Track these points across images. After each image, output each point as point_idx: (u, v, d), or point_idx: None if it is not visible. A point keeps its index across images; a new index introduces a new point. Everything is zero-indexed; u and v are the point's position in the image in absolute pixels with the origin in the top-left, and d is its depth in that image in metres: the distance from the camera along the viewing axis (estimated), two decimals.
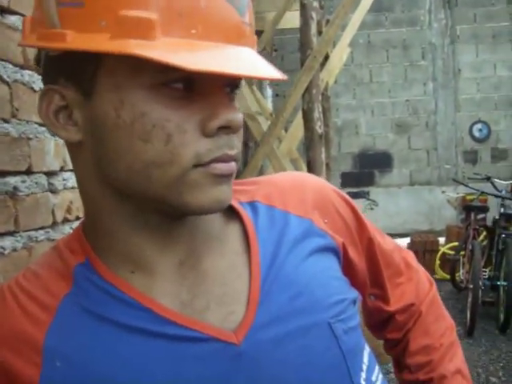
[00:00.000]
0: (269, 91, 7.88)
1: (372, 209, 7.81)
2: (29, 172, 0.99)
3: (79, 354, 0.65)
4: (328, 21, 4.21)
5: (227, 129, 0.63)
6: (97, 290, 0.67)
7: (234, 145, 0.65)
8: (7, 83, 0.94)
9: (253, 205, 0.78)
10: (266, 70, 0.63)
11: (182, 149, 0.62)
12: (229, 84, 0.65)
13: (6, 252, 0.91)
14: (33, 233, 0.99)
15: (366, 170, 8.24)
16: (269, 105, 6.84)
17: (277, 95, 7.88)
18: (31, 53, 0.98)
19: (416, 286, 0.93)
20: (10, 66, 0.95)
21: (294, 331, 0.69)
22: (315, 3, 3.82)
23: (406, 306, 0.92)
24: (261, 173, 4.83)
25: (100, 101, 0.62)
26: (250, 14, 0.65)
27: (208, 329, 0.66)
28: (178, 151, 0.61)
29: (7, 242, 0.91)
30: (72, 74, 0.64)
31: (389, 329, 0.94)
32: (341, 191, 0.86)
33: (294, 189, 0.81)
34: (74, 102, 0.64)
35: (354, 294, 0.79)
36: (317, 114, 3.85)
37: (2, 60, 0.93)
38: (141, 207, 0.67)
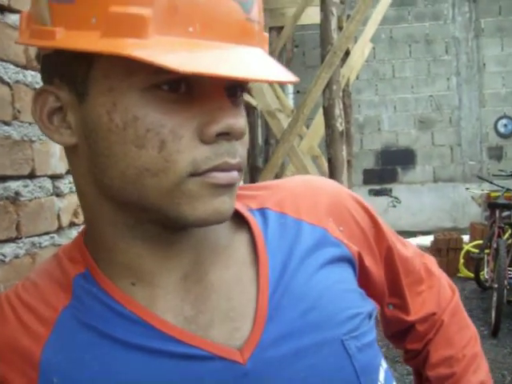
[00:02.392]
0: (290, 88, 7.82)
1: (395, 206, 7.72)
2: (32, 176, 0.95)
3: (77, 371, 0.61)
4: (349, 16, 4.15)
5: (227, 135, 0.58)
6: (96, 302, 0.64)
7: (235, 153, 0.60)
8: (8, 84, 0.90)
9: (263, 212, 0.73)
10: (270, 71, 0.58)
11: (177, 156, 0.57)
12: (232, 86, 0.61)
13: (7, 259, 0.87)
14: (36, 239, 0.95)
15: (389, 167, 8.15)
16: (290, 102, 6.78)
17: (298, 92, 7.81)
18: (34, 52, 0.95)
19: (437, 294, 0.88)
20: (12, 66, 0.92)
21: (304, 349, 0.64)
22: None
23: (427, 315, 0.87)
24: (281, 170, 4.78)
25: (93, 103, 0.59)
26: (257, 10, 0.60)
27: (212, 346, 0.62)
28: (173, 158, 0.57)
29: (8, 249, 0.88)
30: (65, 74, 0.60)
31: (408, 339, 0.89)
32: (358, 196, 0.81)
33: (307, 194, 0.76)
34: (68, 103, 0.61)
35: (369, 306, 0.74)
36: (337, 110, 3.79)
37: (3, 60, 0.90)
38: (138, 217, 0.62)
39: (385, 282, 0.82)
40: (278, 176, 4.77)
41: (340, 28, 3.93)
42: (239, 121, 0.58)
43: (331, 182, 0.82)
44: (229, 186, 0.60)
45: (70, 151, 0.64)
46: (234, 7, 0.57)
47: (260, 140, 5.94)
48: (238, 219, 0.72)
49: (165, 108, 0.57)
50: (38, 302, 0.65)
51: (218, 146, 0.58)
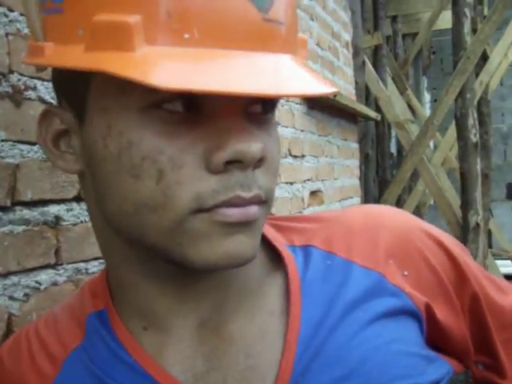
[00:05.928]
0: (427, 96, 7.50)
1: None
2: (78, 199, 0.90)
3: None
4: (485, 17, 3.84)
5: (239, 163, 0.48)
6: (103, 346, 0.58)
7: (251, 184, 0.49)
8: (51, 105, 0.86)
9: (306, 250, 0.60)
10: (292, 84, 0.46)
11: (178, 189, 0.48)
12: (257, 101, 0.50)
13: (43, 287, 0.83)
14: (82, 264, 0.90)
15: None
16: (426, 111, 6.47)
17: (435, 101, 7.46)
18: None
19: None
20: None
21: None
22: None
23: None
24: (414, 184, 4.52)
25: (90, 126, 0.52)
26: (281, 9, 0.49)
27: None
28: (173, 192, 0.48)
29: (44, 276, 0.83)
30: (67, 93, 0.55)
31: None
32: (435, 231, 0.65)
33: (364, 230, 0.62)
34: (72, 125, 0.55)
35: (436, 373, 0.58)
36: (471, 120, 3.51)
37: (44, 80, 0.86)
38: (148, 253, 0.54)
39: (469, 337, 0.66)
40: (406, 189, 4.54)
41: (474, 31, 3.63)
42: (255, 146, 0.47)
43: (400, 214, 0.66)
44: (246, 224, 0.49)
45: (80, 178, 0.58)
46: (244, 5, 0.46)
47: (394, 151, 5.72)
48: (276, 258, 0.60)
49: (165, 130, 0.48)
50: (52, 339, 0.61)
51: (228, 177, 0.48)
